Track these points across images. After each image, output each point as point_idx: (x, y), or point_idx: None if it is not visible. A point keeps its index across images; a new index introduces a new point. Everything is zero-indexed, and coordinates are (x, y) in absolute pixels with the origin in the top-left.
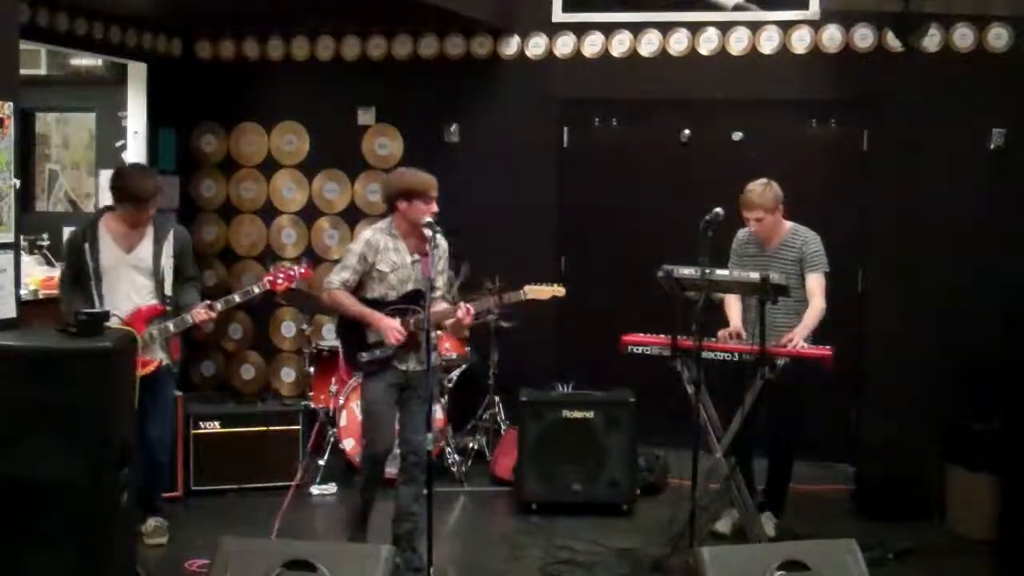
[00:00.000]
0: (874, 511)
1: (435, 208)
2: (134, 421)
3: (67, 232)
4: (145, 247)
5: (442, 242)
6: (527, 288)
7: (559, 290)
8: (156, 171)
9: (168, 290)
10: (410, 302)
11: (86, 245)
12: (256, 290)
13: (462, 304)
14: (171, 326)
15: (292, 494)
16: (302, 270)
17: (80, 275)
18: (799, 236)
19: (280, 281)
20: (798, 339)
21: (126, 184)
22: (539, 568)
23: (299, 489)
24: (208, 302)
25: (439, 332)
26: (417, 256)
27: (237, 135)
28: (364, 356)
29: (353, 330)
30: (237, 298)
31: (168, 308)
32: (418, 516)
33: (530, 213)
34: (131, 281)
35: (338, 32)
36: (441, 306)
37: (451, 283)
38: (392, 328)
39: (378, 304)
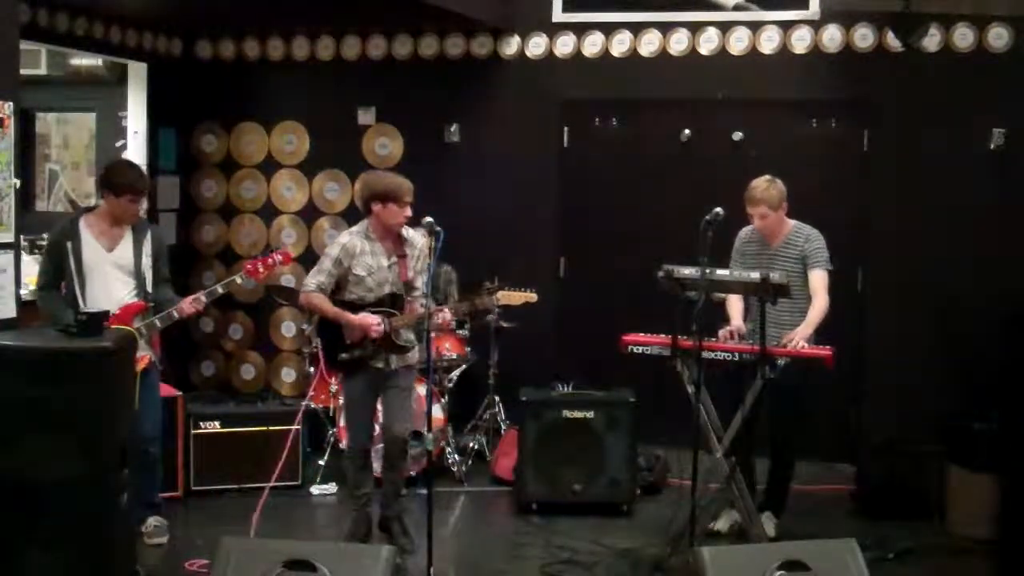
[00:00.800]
0: (874, 511)
1: (408, 212)
2: (134, 421)
3: None
4: (126, 245)
5: (419, 240)
6: (500, 294)
7: (531, 296)
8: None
9: (149, 287)
10: (386, 305)
11: (68, 244)
12: (238, 280)
13: (442, 308)
14: (157, 322)
15: (294, 494)
16: (280, 257)
17: (61, 275)
18: (801, 234)
19: (260, 270)
20: (798, 339)
21: (126, 176)
22: (539, 568)
23: (298, 489)
24: (194, 296)
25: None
26: (395, 258)
27: (237, 135)
28: (344, 356)
29: (332, 331)
30: (220, 289)
31: (150, 304)
32: (404, 498)
33: (530, 213)
34: (113, 279)
35: (338, 32)
36: (418, 307)
37: (451, 282)
38: (370, 324)
39: (354, 306)
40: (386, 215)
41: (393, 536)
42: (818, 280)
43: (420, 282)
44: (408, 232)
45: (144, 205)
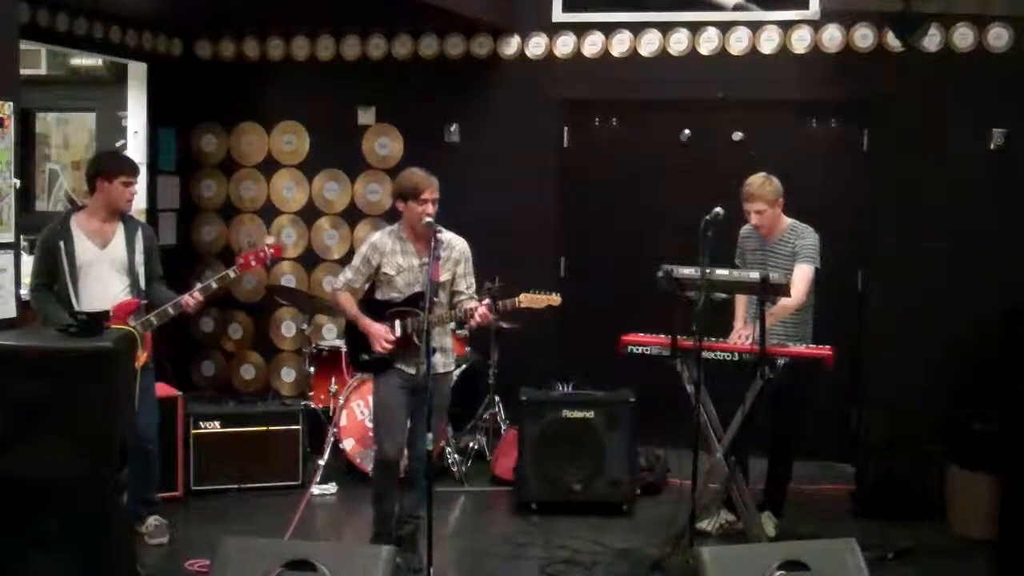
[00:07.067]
0: (874, 511)
1: (430, 209)
2: (133, 421)
3: None
4: (118, 242)
5: (459, 243)
6: (522, 296)
7: (555, 299)
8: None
9: (142, 285)
10: (413, 305)
11: (60, 244)
12: (231, 274)
13: (480, 305)
14: (153, 319)
15: (294, 494)
16: (272, 250)
17: (54, 275)
18: (796, 231)
19: (253, 263)
20: (743, 334)
21: (115, 160)
22: (539, 568)
23: (298, 489)
24: (191, 292)
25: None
26: (427, 259)
27: (237, 135)
28: (365, 356)
29: (357, 330)
30: (213, 284)
31: (144, 302)
32: (420, 519)
33: (530, 213)
34: (107, 278)
35: (338, 32)
36: (470, 304)
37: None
38: (379, 336)
39: (386, 306)
40: (408, 213)
41: (403, 551)
42: (799, 274)
43: (464, 285)
44: (446, 235)
45: (137, 193)
